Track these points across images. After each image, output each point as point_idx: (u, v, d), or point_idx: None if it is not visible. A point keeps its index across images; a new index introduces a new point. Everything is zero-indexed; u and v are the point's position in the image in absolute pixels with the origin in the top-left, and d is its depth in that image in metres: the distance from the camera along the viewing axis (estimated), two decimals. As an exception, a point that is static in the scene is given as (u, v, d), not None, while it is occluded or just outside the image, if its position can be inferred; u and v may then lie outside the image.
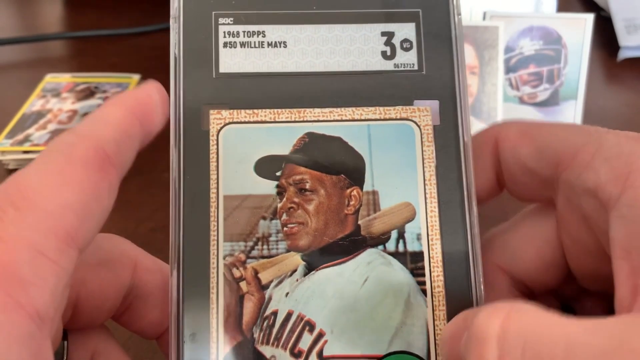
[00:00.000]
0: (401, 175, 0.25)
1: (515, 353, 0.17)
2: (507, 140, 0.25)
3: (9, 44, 0.63)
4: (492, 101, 0.49)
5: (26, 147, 0.46)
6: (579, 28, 0.50)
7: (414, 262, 0.24)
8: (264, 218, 0.24)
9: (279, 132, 0.25)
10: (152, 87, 0.23)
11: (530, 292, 0.27)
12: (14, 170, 0.46)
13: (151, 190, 0.41)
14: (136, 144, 0.22)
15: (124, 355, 0.25)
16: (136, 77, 0.54)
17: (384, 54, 0.26)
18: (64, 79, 0.54)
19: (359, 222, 0.24)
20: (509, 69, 0.51)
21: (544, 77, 0.51)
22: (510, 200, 0.28)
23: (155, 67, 0.56)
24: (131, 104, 0.22)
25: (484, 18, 0.51)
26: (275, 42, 0.25)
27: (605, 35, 0.61)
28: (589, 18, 0.50)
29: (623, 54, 0.59)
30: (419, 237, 0.24)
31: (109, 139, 0.21)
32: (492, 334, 0.18)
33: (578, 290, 0.28)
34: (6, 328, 0.17)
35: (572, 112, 0.50)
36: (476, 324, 0.18)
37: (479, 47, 0.49)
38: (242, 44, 0.25)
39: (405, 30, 0.26)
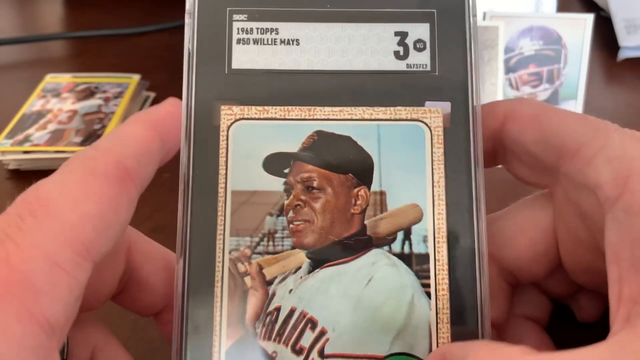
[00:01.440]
0: (409, 177, 0.25)
1: None
2: (516, 120, 0.25)
3: (9, 44, 0.62)
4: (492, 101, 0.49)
5: (26, 147, 0.45)
6: (579, 28, 0.50)
7: (419, 264, 0.24)
8: (271, 214, 0.24)
9: (289, 129, 0.25)
10: (173, 103, 0.24)
11: (516, 282, 0.27)
12: (14, 170, 0.46)
13: (151, 190, 0.41)
14: (156, 160, 0.22)
15: (124, 351, 0.25)
16: (136, 77, 0.54)
17: (396, 53, 0.25)
18: (64, 79, 0.54)
19: (365, 222, 0.24)
20: (508, 69, 0.51)
21: (543, 77, 0.51)
22: (510, 200, 0.28)
23: (155, 67, 0.56)
24: (152, 121, 0.23)
25: (484, 18, 0.51)
26: (288, 39, 0.25)
27: (605, 35, 0.61)
28: (589, 18, 0.50)
29: (623, 54, 0.59)
30: (425, 239, 0.24)
31: (129, 154, 0.21)
32: None
33: (572, 289, 0.28)
34: (17, 337, 0.17)
35: (572, 112, 0.50)
36: None
37: (478, 47, 0.49)
38: (255, 41, 0.25)
39: (419, 31, 0.26)
